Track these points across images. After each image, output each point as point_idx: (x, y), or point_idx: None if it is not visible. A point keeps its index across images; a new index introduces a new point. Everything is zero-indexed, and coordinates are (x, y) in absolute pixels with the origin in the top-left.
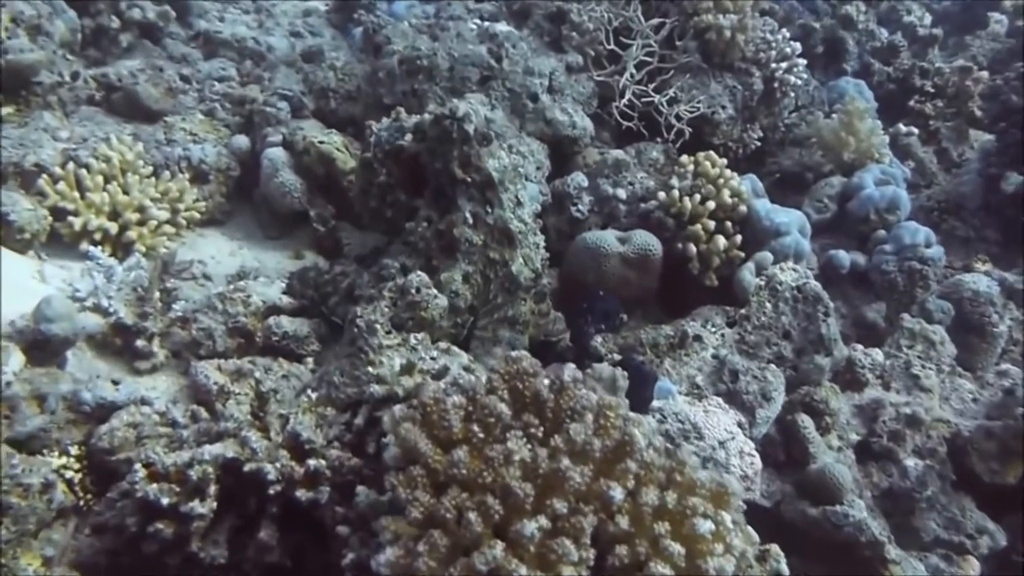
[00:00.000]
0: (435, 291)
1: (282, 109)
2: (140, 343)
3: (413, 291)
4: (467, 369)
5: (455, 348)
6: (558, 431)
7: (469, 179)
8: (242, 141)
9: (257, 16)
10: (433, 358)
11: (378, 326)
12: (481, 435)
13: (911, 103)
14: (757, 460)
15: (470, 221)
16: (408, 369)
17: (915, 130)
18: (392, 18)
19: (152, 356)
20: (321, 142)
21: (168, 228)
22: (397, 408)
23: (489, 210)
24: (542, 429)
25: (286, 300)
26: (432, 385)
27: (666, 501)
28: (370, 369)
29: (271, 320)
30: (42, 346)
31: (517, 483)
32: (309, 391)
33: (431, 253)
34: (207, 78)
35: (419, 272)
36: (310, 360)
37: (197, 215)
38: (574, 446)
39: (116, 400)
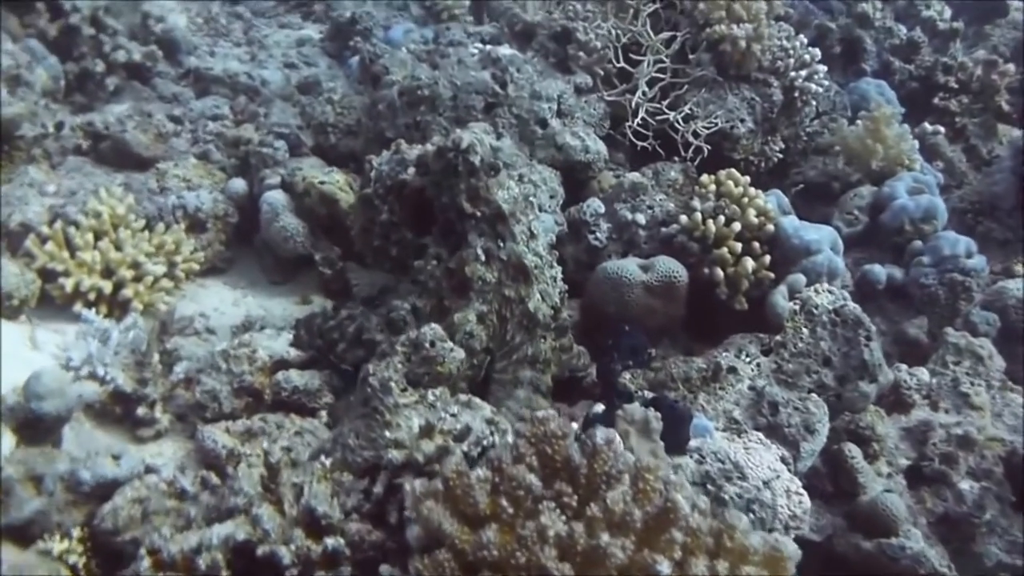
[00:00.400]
0: (451, 344)
1: (279, 149)
2: (141, 411)
3: (427, 345)
4: (490, 423)
5: (475, 400)
6: (594, 499)
7: (478, 213)
8: (239, 185)
9: (249, 48)
10: (454, 415)
11: (393, 384)
12: (511, 510)
13: (935, 101)
14: (806, 498)
15: (482, 257)
16: (427, 431)
17: (941, 129)
18: (389, 45)
19: (155, 422)
20: (322, 182)
21: (166, 283)
22: (418, 483)
23: (501, 245)
24: (576, 498)
25: (294, 353)
26: (454, 458)
27: (717, 572)
28: (387, 433)
29: (280, 375)
30: (34, 424)
31: (554, 564)
32: (323, 457)
33: (442, 293)
34: (200, 117)
35: (432, 324)
36: (323, 414)
37: (196, 266)
38: (613, 516)
39: (118, 476)
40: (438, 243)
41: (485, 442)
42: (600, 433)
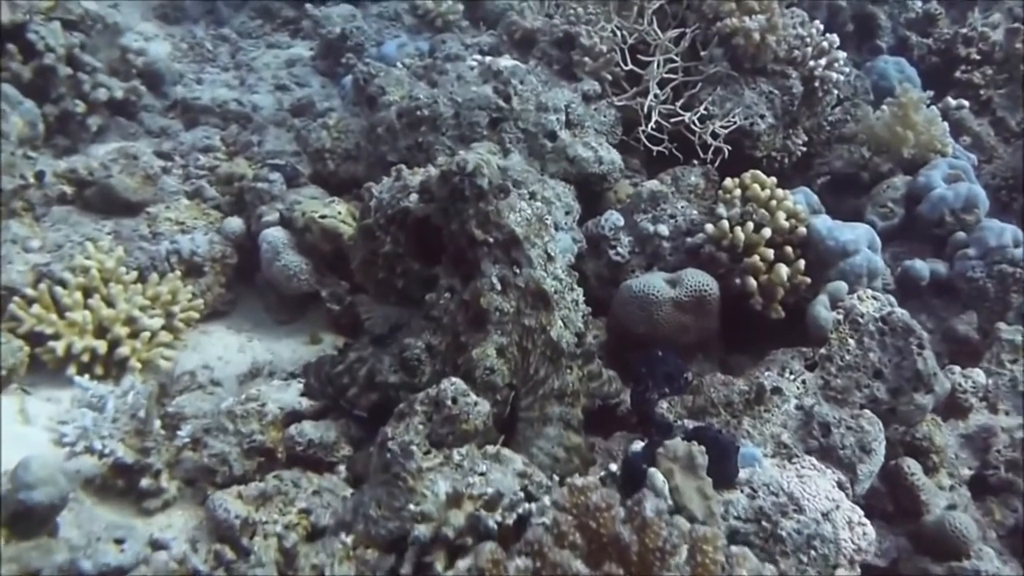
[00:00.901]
0: (474, 397)
1: (275, 182)
2: (146, 481)
3: (449, 403)
4: (523, 476)
5: (504, 452)
6: None
7: (490, 239)
8: (235, 224)
9: (238, 73)
10: (482, 474)
11: (414, 448)
12: None
13: (957, 74)
14: (870, 529)
15: (497, 286)
16: (456, 500)
17: (965, 103)
18: (383, 62)
19: (162, 492)
20: (323, 216)
21: (164, 336)
22: None
23: (517, 271)
24: None
25: (306, 403)
26: (489, 546)
27: None
28: (411, 506)
29: (292, 429)
30: (26, 516)
31: None
32: (344, 535)
33: (458, 328)
34: (191, 151)
35: (454, 380)
36: (342, 468)
37: (196, 314)
38: None
39: (123, 563)
40: (449, 274)
41: (521, 509)
42: (650, 504)
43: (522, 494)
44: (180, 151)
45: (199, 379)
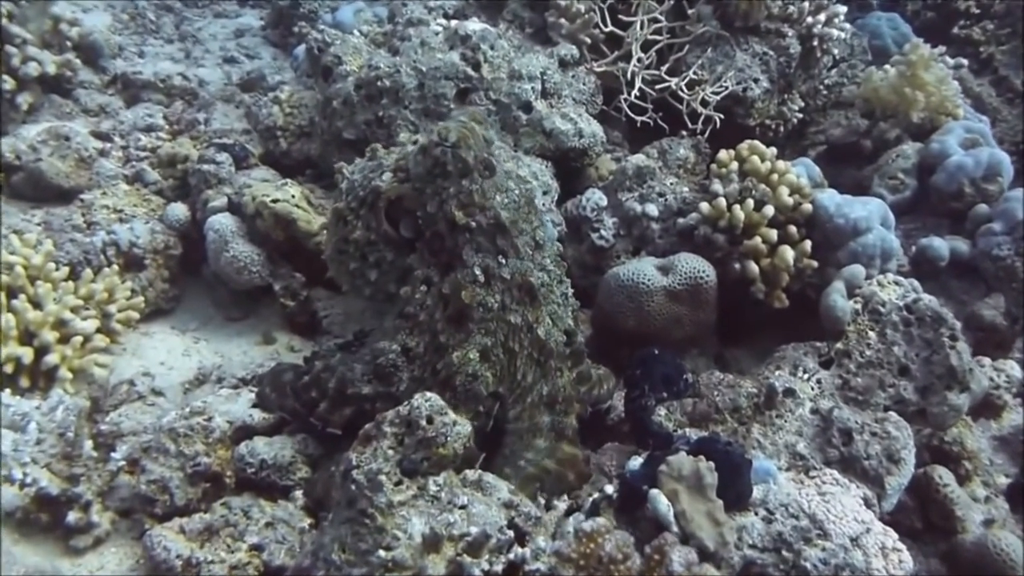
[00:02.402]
0: (452, 416)
1: (222, 164)
2: (73, 516)
3: (423, 423)
4: (509, 507)
5: (488, 478)
6: None
7: (473, 224)
8: (178, 211)
9: (183, 45)
10: (463, 506)
11: (383, 478)
12: None
13: (955, 30)
14: (906, 556)
15: (481, 279)
16: (433, 543)
17: (964, 61)
18: (339, 29)
19: (92, 527)
20: (275, 200)
21: (99, 340)
22: None
23: (503, 261)
24: None
25: (258, 416)
26: None
27: None
28: (381, 552)
29: (243, 448)
30: None
31: None
32: None
33: (436, 326)
34: (132, 130)
35: (428, 395)
36: (299, 495)
37: (135, 314)
38: None
39: None
40: (425, 263)
41: (512, 554)
42: (678, 556)
43: (510, 532)
44: (120, 131)
45: (138, 389)
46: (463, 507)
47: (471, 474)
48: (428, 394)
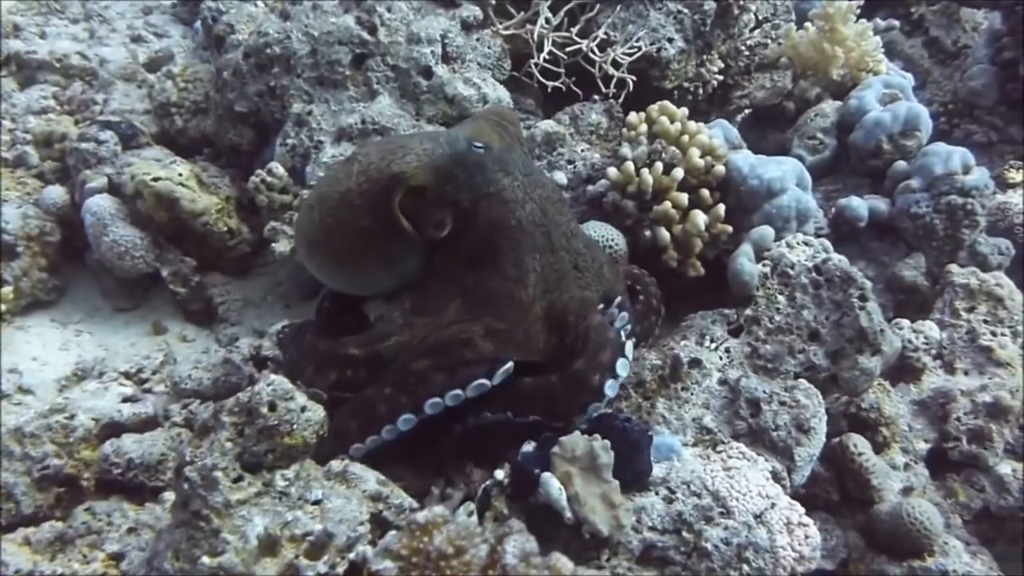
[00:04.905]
0: (300, 402)
1: (105, 142)
2: None
3: (264, 410)
4: (376, 499)
5: (355, 468)
6: None
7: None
8: (55, 194)
9: (88, 24)
10: (317, 502)
11: (219, 474)
12: None
13: None
14: (813, 531)
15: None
16: (271, 546)
17: (895, 22)
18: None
19: None
20: (156, 179)
21: None
22: None
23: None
24: None
25: (128, 411)
26: None
27: None
28: (205, 559)
29: (107, 447)
30: None
31: None
32: None
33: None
34: (25, 113)
35: (272, 377)
36: (168, 495)
37: (5, 306)
38: None
39: None
40: (450, 259)
41: (355, 552)
42: (512, 546)
43: (367, 527)
44: (12, 114)
45: (3, 388)
46: (317, 502)
47: (336, 465)
48: (273, 377)
